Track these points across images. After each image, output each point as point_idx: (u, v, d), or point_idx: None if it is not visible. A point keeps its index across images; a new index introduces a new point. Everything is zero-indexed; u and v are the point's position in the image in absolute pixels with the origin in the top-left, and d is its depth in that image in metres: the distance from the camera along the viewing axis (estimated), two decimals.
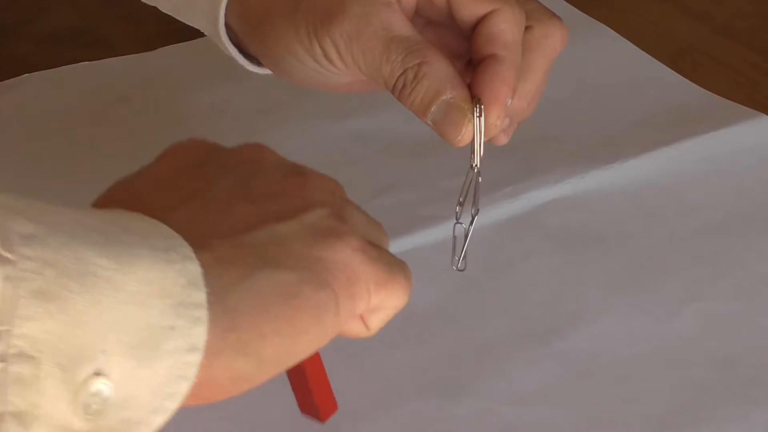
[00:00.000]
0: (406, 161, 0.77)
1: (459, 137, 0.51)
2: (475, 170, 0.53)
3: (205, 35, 0.60)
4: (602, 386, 0.60)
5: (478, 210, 0.54)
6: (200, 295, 0.37)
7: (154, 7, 0.63)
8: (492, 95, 0.51)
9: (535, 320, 0.64)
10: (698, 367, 0.61)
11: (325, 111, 0.81)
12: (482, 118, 0.51)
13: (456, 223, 0.55)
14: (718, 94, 0.83)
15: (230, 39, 0.58)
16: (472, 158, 0.52)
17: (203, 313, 0.37)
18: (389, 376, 0.61)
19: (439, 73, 0.51)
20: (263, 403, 0.59)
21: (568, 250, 0.69)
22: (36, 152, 0.78)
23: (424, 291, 0.66)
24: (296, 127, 0.80)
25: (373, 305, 0.44)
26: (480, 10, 0.52)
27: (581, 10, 0.93)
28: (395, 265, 0.45)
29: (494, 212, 0.71)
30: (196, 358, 0.37)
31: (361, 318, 0.44)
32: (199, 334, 0.37)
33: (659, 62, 0.87)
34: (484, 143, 0.52)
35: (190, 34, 0.69)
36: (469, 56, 0.54)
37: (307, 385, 0.48)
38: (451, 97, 0.50)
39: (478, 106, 0.51)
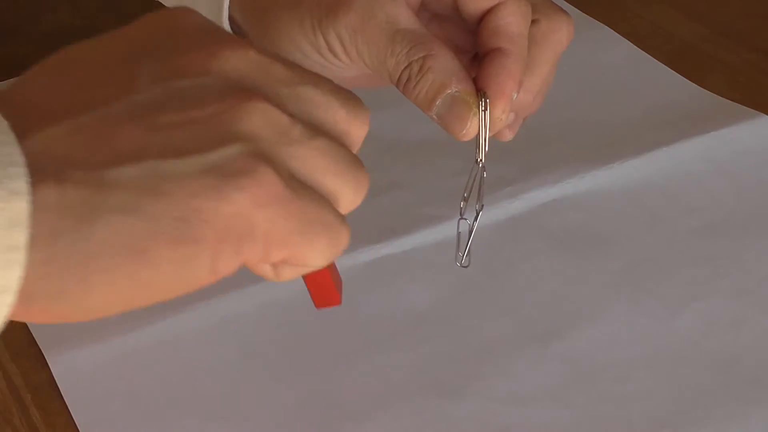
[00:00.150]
0: (406, 161, 0.77)
1: (464, 131, 0.50)
2: (480, 165, 0.52)
3: None
4: (602, 386, 0.60)
5: (482, 206, 0.53)
6: (20, 238, 0.34)
7: (154, 7, 0.63)
8: (497, 89, 0.50)
9: (535, 320, 0.64)
10: (698, 367, 0.61)
11: None
12: (487, 112, 0.50)
13: (460, 219, 0.55)
14: (718, 94, 0.83)
15: (234, 32, 0.57)
16: (476, 153, 0.52)
17: (20, 257, 0.35)
18: (389, 376, 0.60)
19: (444, 67, 0.50)
20: (263, 403, 0.59)
21: (568, 250, 0.69)
22: None
23: (424, 291, 0.66)
24: None
25: (276, 260, 0.39)
26: (486, 3, 0.52)
27: (581, 10, 0.93)
28: (315, 224, 0.39)
29: (494, 212, 0.71)
30: (8, 299, 0.35)
31: (273, 264, 0.40)
32: (12, 277, 0.35)
33: (659, 62, 0.87)
34: (489, 139, 0.51)
35: None
36: (475, 50, 0.53)
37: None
38: (456, 91, 0.50)
39: (483, 99, 0.50)
